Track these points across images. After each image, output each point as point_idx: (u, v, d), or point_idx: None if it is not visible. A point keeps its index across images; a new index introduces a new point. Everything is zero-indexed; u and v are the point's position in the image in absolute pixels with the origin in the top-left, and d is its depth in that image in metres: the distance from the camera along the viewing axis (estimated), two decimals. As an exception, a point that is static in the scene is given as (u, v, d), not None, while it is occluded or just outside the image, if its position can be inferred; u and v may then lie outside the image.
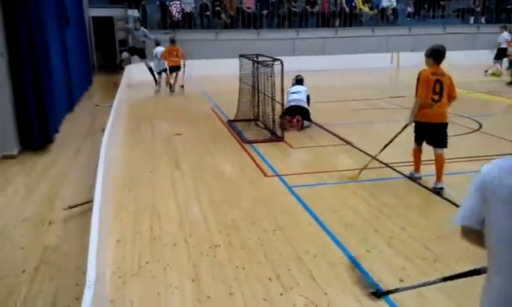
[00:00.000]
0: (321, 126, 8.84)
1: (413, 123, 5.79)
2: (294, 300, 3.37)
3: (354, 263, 3.58)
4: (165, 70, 13.56)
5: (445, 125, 5.61)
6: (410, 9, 20.18)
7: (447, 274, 3.61)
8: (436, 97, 5.51)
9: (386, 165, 6.48)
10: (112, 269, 3.80)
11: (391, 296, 3.36)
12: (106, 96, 12.16)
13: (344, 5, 18.76)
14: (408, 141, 7.54)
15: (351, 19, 18.97)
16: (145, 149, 7.57)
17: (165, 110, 11.80)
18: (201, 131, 8.68)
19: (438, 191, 5.49)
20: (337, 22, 18.77)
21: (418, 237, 4.35)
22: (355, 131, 8.50)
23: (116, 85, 11.85)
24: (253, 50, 13.83)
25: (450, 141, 7.51)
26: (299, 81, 9.38)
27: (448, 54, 5.62)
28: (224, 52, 16.27)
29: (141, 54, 14.28)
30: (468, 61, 17.17)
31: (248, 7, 17.88)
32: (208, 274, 3.74)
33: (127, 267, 3.87)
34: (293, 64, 17.06)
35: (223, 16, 17.56)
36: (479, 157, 6.81)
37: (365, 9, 19.32)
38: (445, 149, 5.62)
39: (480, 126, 8.58)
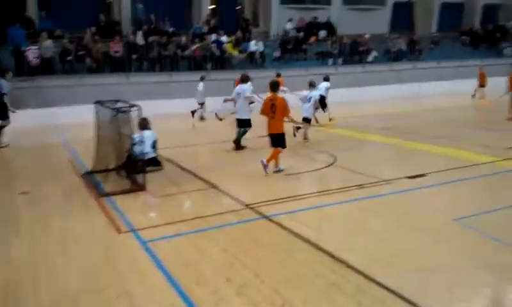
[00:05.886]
0: (188, 170, 8.66)
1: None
2: None
3: None
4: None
5: (280, 134, 8.09)
6: (277, 54, 21.51)
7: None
8: (273, 115, 8.03)
9: (247, 206, 6.47)
10: None
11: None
12: None
13: (214, 49, 19.24)
14: (268, 180, 7.84)
15: (222, 62, 19.50)
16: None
17: (12, 165, 10.60)
18: (53, 187, 7.85)
19: (280, 170, 8.16)
20: (209, 66, 19.12)
21: (270, 281, 4.30)
22: (223, 173, 8.47)
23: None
24: (124, 94, 13.35)
25: (306, 176, 7.88)
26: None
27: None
28: (93, 97, 15.37)
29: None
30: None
31: (116, 52, 17.33)
32: None
33: None
34: (168, 106, 17.08)
35: (87, 60, 16.75)
36: (330, 190, 7.19)
37: (235, 53, 20.06)
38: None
39: (335, 159, 9.16)
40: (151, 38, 18.50)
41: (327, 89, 14.01)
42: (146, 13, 19.89)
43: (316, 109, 12.27)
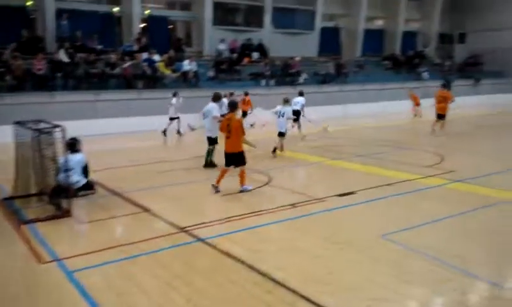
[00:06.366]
0: (117, 194, 8.30)
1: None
2: None
3: None
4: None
5: (235, 154, 8.18)
6: (211, 73, 21.55)
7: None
8: (228, 134, 8.16)
9: (181, 229, 6.31)
10: None
11: None
12: None
13: (146, 68, 18.87)
14: (203, 202, 7.74)
15: (154, 81, 19.15)
16: None
17: None
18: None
19: (242, 191, 8.24)
20: (140, 84, 18.69)
21: (203, 305, 4.19)
22: (156, 196, 8.22)
23: None
24: (48, 114, 12.59)
25: (241, 196, 7.80)
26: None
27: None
28: (14, 116, 14.35)
29: None
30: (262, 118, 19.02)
31: (39, 69, 16.40)
32: None
33: None
34: (95, 126, 16.35)
35: (7, 78, 15.67)
36: (265, 210, 7.22)
37: (168, 72, 19.80)
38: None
39: (270, 179, 9.26)
40: (78, 55, 17.76)
41: (302, 105, 15.01)
42: (73, 30, 19.12)
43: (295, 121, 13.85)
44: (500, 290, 4.55)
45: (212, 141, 10.42)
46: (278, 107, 12.42)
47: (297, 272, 4.91)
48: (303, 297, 4.33)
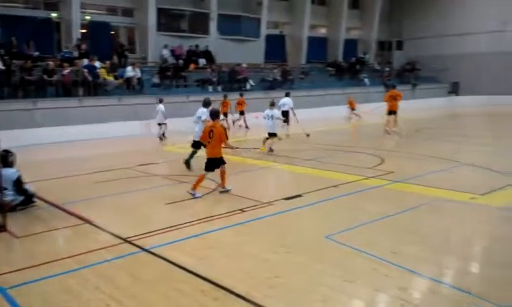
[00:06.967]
0: (57, 206, 7.90)
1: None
2: None
3: None
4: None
5: (217, 159, 8.45)
6: (156, 80, 21.18)
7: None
8: (210, 140, 8.40)
9: (125, 240, 6.11)
10: None
11: None
12: None
13: (87, 75, 18.20)
14: (149, 210, 7.55)
15: (95, 88, 18.51)
16: None
17: None
18: None
19: (224, 191, 8.57)
20: (80, 92, 18.00)
21: (149, 318, 4.07)
22: (98, 206, 7.91)
23: None
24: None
25: (189, 203, 7.71)
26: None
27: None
28: None
29: None
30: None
31: (-30, 77, 15.41)
32: None
33: None
34: (32, 136, 15.52)
35: None
36: (213, 216, 7.16)
37: (110, 78, 19.22)
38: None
39: (219, 185, 9.17)
40: (13, 62, 16.84)
41: (290, 106, 16.10)
42: (8, 36, 18.14)
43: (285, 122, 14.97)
44: (438, 285, 4.77)
45: (198, 145, 10.47)
46: (267, 111, 13.23)
47: (245, 278, 4.89)
48: (251, 302, 4.31)
